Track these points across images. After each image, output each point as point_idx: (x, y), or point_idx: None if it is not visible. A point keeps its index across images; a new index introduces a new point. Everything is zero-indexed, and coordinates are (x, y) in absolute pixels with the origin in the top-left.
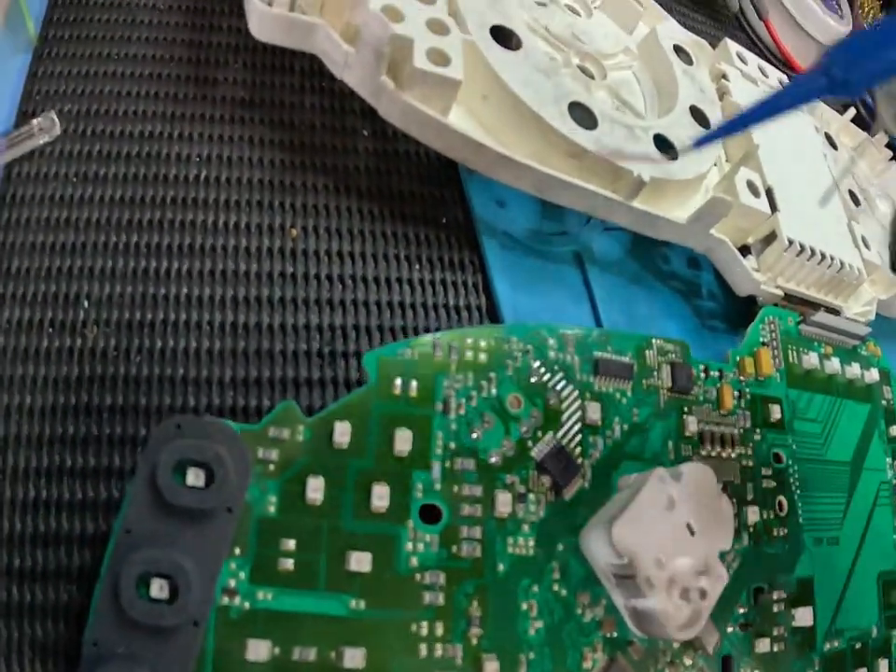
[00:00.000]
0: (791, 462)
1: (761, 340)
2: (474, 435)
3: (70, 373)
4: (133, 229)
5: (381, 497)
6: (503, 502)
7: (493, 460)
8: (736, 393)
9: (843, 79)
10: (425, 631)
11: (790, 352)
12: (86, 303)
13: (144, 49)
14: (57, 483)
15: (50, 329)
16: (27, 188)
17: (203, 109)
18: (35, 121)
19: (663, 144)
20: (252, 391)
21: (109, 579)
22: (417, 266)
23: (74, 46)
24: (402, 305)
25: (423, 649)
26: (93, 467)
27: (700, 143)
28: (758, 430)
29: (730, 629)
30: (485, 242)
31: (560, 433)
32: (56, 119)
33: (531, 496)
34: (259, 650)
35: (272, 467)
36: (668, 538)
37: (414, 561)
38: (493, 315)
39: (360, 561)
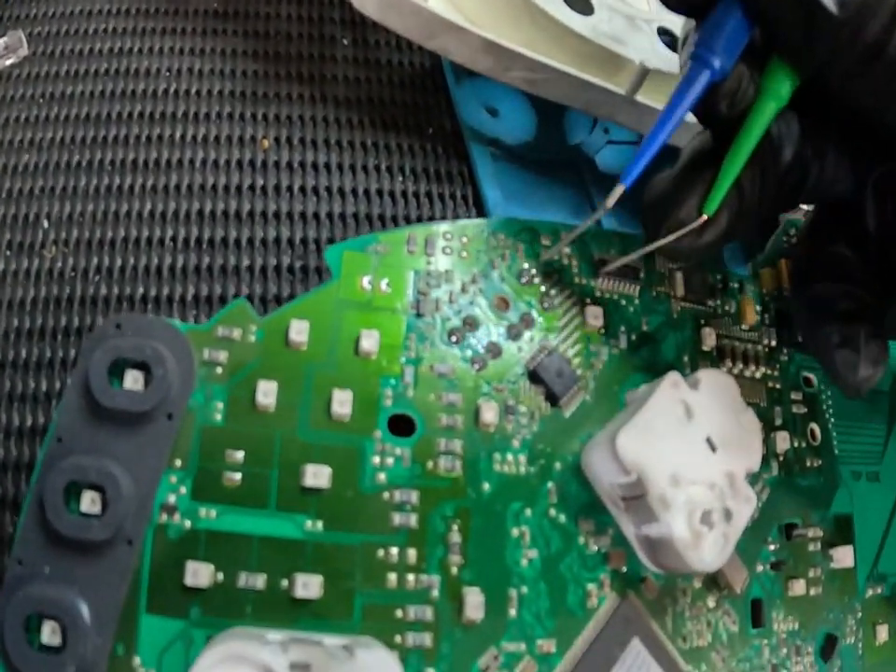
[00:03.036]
0: (822, 387)
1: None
2: (453, 338)
3: (25, 296)
4: (98, 146)
5: (342, 403)
6: (488, 412)
7: (476, 367)
8: (759, 307)
9: (719, 65)
10: (394, 558)
11: None
12: (45, 224)
13: None
14: (6, 409)
15: (8, 252)
16: None
17: (175, 23)
18: (0, 41)
19: (666, 36)
20: (216, 312)
21: (36, 491)
22: (400, 178)
23: None
24: (383, 219)
25: (392, 578)
26: (45, 391)
27: (628, 177)
28: (785, 350)
29: (759, 568)
30: (475, 152)
31: (556, 339)
32: (23, 38)
33: (522, 407)
34: (199, 574)
35: (219, 370)
36: (685, 452)
37: (382, 477)
38: None
39: (318, 475)
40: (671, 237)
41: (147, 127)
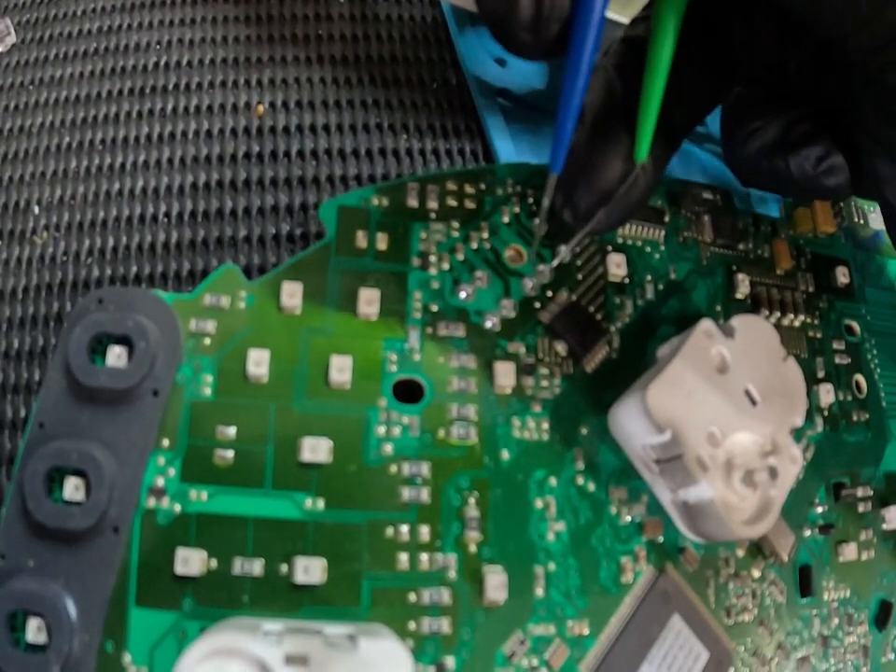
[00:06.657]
0: (866, 335)
1: None
2: (463, 294)
3: (17, 284)
4: (88, 126)
5: (341, 369)
6: (504, 374)
7: (489, 324)
8: (794, 251)
9: None
10: (405, 536)
11: (853, 210)
12: (36, 209)
13: None
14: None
15: None
16: None
17: None
18: None
19: None
20: None
21: (17, 479)
22: (405, 135)
23: None
24: (387, 179)
25: (403, 559)
26: (38, 381)
27: (557, 162)
28: (824, 296)
29: (807, 532)
30: (483, 104)
31: (576, 291)
32: (10, 25)
33: (542, 368)
34: (190, 561)
35: (208, 340)
36: (722, 407)
37: (388, 448)
38: None
39: (316, 449)
40: (611, 204)
41: (137, 103)
